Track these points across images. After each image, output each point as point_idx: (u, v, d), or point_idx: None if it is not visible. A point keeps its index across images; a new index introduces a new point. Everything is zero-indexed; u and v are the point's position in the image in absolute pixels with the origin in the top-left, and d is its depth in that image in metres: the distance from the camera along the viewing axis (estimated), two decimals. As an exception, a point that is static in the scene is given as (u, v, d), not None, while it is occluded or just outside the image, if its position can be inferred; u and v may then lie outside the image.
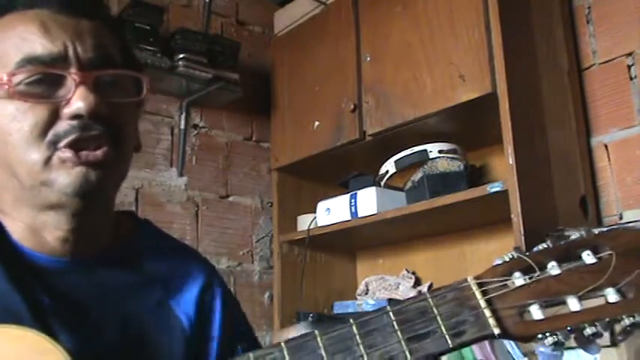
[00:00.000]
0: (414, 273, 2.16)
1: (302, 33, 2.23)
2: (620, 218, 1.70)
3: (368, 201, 1.91)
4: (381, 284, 2.17)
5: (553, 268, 0.59)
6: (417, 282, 2.14)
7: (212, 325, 0.84)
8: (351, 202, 1.95)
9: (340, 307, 2.09)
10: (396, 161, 1.89)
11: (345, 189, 2.04)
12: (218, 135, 2.25)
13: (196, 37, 2.01)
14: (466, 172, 1.77)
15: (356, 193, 1.95)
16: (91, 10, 0.76)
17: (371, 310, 1.92)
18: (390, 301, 1.95)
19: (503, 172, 1.67)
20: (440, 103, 1.73)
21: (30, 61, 0.70)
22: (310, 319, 2.00)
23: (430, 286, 2.08)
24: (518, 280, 0.59)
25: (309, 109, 2.12)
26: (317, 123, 2.08)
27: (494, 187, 1.60)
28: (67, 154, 0.70)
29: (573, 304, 0.57)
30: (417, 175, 1.82)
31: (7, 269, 0.71)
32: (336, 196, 2.03)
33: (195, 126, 2.20)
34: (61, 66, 0.71)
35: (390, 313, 0.59)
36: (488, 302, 0.58)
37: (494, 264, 0.61)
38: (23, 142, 0.70)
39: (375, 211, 1.89)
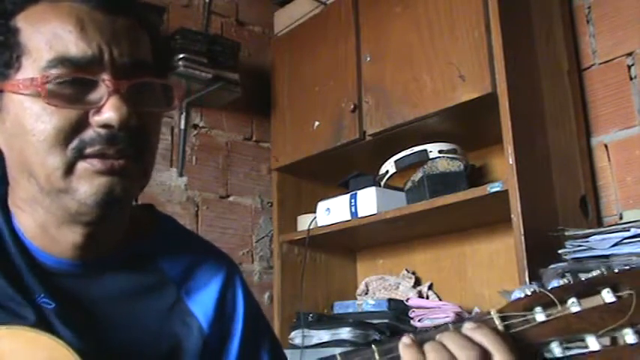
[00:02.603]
0: (414, 273, 2.16)
1: (302, 33, 2.23)
2: (620, 218, 1.70)
3: (368, 201, 1.91)
4: (381, 284, 2.17)
5: (573, 305, 0.59)
6: (417, 282, 2.14)
7: (234, 324, 0.83)
8: (351, 202, 1.95)
9: (340, 307, 2.09)
10: (396, 161, 1.89)
11: (345, 189, 2.04)
12: (218, 135, 2.25)
13: (196, 37, 2.01)
14: (466, 172, 1.77)
15: (356, 193, 1.95)
16: (128, 7, 0.72)
17: (371, 309, 1.93)
18: (391, 301, 1.95)
19: (503, 172, 1.67)
20: (440, 103, 1.73)
21: (63, 61, 0.66)
22: (310, 319, 2.00)
23: (430, 286, 2.08)
24: (539, 315, 0.59)
25: (309, 109, 2.12)
26: (317, 123, 2.08)
27: (494, 187, 1.60)
28: (93, 162, 0.67)
29: (592, 343, 0.57)
30: (417, 175, 1.82)
31: (10, 272, 0.70)
32: (336, 196, 2.03)
33: (195, 126, 2.20)
34: (94, 69, 0.67)
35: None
36: (512, 337, 0.59)
37: (516, 297, 0.61)
38: (46, 144, 0.66)
39: (375, 211, 1.88)
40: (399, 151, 1.88)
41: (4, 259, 0.71)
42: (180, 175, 2.12)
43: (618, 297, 0.58)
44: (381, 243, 2.26)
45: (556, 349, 0.58)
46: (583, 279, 0.60)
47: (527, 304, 0.60)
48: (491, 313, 0.60)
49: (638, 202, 1.68)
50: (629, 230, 1.32)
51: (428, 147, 1.83)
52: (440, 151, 1.82)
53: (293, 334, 2.02)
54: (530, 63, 1.70)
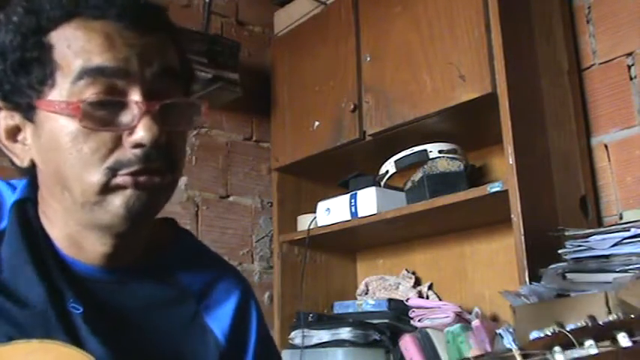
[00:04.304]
0: (414, 273, 2.16)
1: (302, 33, 2.23)
2: (620, 218, 1.70)
3: (368, 201, 1.91)
4: (381, 284, 2.17)
5: (591, 347, 0.61)
6: (417, 282, 2.14)
7: (248, 342, 0.85)
8: (351, 202, 1.95)
9: (340, 307, 2.09)
10: (396, 161, 1.89)
11: (345, 189, 2.04)
12: (218, 135, 2.25)
13: (196, 37, 2.01)
14: (466, 172, 1.77)
15: (356, 193, 1.95)
16: (159, 25, 0.75)
17: (371, 309, 1.93)
18: (391, 301, 1.95)
19: (504, 172, 1.67)
20: (440, 103, 1.73)
21: (88, 72, 0.68)
22: (310, 319, 2.00)
23: (430, 286, 2.08)
24: (558, 355, 0.61)
25: (309, 109, 2.12)
26: (317, 123, 2.08)
27: (494, 187, 1.60)
28: (126, 179, 0.69)
29: None
30: (417, 175, 1.82)
31: (45, 275, 0.71)
32: (336, 196, 2.03)
33: (195, 126, 2.20)
34: (123, 83, 0.69)
35: None
36: None
37: (535, 337, 0.63)
38: (82, 163, 0.69)
39: (375, 211, 1.88)
40: (399, 151, 1.88)
41: (40, 262, 0.72)
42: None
43: (634, 342, 0.60)
44: (381, 243, 2.26)
45: None
46: (600, 322, 0.62)
47: (547, 343, 0.62)
48: (513, 351, 0.62)
49: (638, 202, 1.68)
50: (629, 230, 1.32)
51: (428, 147, 1.83)
52: (440, 151, 1.82)
53: (293, 334, 2.02)
54: (530, 63, 1.70)
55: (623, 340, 0.60)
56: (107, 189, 0.69)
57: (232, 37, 2.29)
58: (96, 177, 0.69)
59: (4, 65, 0.70)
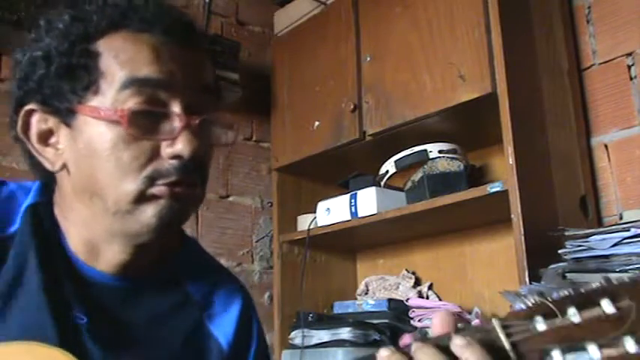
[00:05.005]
0: (414, 273, 2.16)
1: (302, 33, 2.23)
2: (620, 218, 1.70)
3: (368, 201, 1.91)
4: (381, 284, 2.17)
5: (574, 315, 0.60)
6: (417, 282, 2.14)
7: (250, 349, 0.86)
8: (351, 202, 1.95)
9: (340, 307, 2.09)
10: (396, 161, 1.89)
11: (345, 189, 2.04)
12: (218, 135, 2.25)
13: (196, 37, 2.01)
14: (466, 172, 1.77)
15: (356, 193, 1.95)
16: (199, 42, 0.78)
17: (371, 309, 1.93)
18: (391, 301, 1.95)
19: (503, 172, 1.67)
20: (440, 103, 1.73)
21: (134, 82, 0.70)
22: (310, 319, 2.00)
23: (430, 286, 2.08)
24: (540, 324, 0.60)
25: (309, 109, 2.12)
26: (317, 123, 2.08)
27: (494, 187, 1.60)
28: (162, 189, 0.70)
29: (593, 351, 0.58)
30: (417, 175, 1.82)
31: (51, 283, 0.72)
32: (336, 196, 2.03)
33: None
34: (166, 95, 0.71)
35: None
36: (513, 345, 0.59)
37: (517, 309, 0.62)
38: (120, 171, 0.70)
39: (375, 211, 1.88)
40: (399, 151, 1.88)
41: (49, 267, 0.73)
42: (180, 175, 2.12)
43: (618, 308, 0.59)
44: (381, 243, 2.26)
45: (557, 356, 0.58)
46: (582, 290, 0.61)
47: (529, 313, 0.61)
48: (493, 322, 0.61)
49: (638, 202, 1.68)
50: (629, 230, 1.32)
51: (428, 147, 1.83)
52: (440, 151, 1.82)
53: (293, 334, 2.02)
54: (530, 63, 1.70)
55: (608, 307, 0.59)
56: (142, 198, 0.70)
57: (232, 37, 2.29)
58: (133, 185, 0.70)
59: (47, 70, 0.72)
